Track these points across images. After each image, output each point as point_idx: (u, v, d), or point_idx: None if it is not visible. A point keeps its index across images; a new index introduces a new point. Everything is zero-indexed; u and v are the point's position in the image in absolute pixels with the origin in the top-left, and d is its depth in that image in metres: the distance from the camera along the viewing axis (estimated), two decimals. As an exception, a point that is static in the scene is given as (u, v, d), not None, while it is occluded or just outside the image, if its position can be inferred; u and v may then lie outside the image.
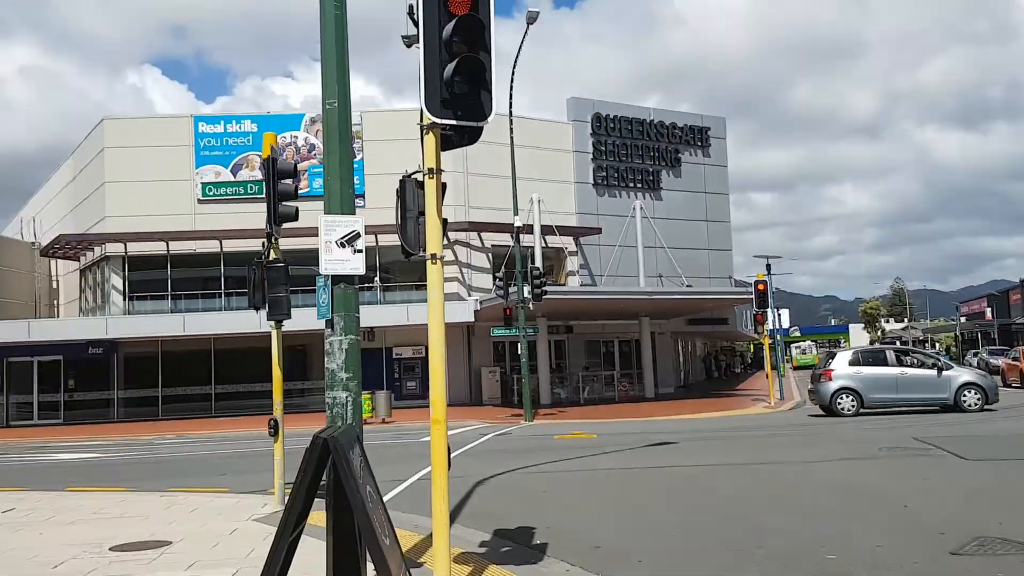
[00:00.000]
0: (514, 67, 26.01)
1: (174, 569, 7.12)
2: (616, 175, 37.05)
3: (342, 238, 6.30)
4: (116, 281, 32.62)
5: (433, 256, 6.14)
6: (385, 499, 9.54)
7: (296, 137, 32.66)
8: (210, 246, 32.09)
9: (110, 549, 8.02)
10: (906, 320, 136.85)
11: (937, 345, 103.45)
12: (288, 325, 10.60)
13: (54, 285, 40.41)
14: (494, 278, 31.00)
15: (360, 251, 6.36)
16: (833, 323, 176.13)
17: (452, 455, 6.21)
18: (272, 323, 10.29)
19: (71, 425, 30.35)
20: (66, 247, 33.89)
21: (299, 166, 10.82)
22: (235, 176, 32.54)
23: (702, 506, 9.42)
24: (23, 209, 46.12)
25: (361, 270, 6.33)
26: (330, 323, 6.40)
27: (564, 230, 33.98)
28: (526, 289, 24.35)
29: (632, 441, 16.74)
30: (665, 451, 14.98)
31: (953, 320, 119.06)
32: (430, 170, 6.17)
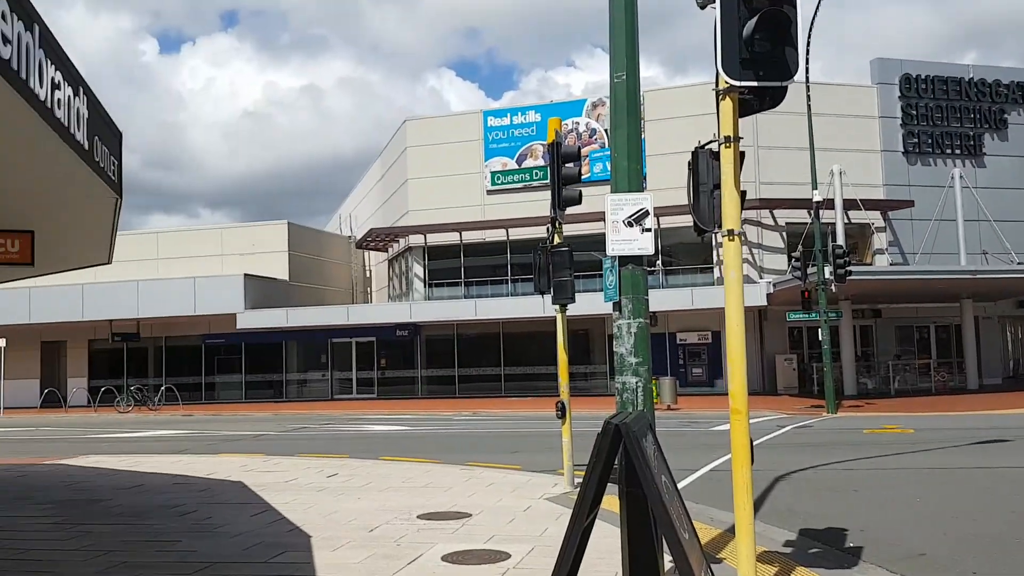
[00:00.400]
0: (811, 28, 24.23)
1: (474, 541, 7.35)
2: (930, 141, 33.25)
3: (630, 217, 6.03)
4: (418, 270, 35.40)
5: (730, 232, 5.66)
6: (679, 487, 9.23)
7: (578, 123, 33.14)
8: (498, 235, 33.67)
9: (418, 517, 8.52)
10: None
11: None
12: (571, 309, 10.63)
13: (367, 274, 44.88)
14: (789, 258, 29.23)
15: (649, 230, 6.04)
16: None
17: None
18: (557, 307, 10.35)
19: (383, 400, 33.52)
20: (376, 239, 37.39)
21: (580, 151, 10.75)
22: (520, 166, 33.79)
23: (1054, 521, 7.99)
24: (341, 207, 51.72)
25: (650, 250, 6.02)
26: (617, 306, 6.17)
27: (870, 204, 31.14)
28: (827, 270, 22.64)
29: (955, 437, 14.84)
30: (996, 449, 13.08)
31: None
32: (727, 138, 5.69)
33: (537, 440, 16.80)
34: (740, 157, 5.93)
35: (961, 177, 32.58)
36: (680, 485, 10.35)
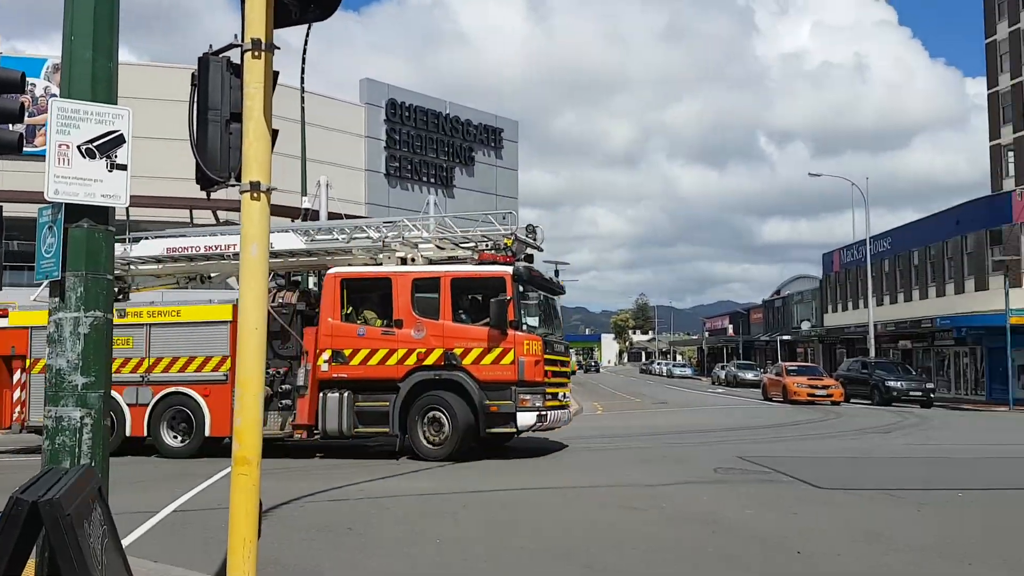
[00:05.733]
0: (307, 37, 23.49)
1: None
2: (410, 167, 35.10)
3: (91, 142, 3.69)
4: None
5: (255, 187, 3.74)
6: (129, 540, 6.84)
7: (35, 85, 27.42)
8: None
9: None
10: (652, 332, 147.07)
11: (679, 356, 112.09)
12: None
13: None
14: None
15: (123, 167, 3.77)
16: (586, 332, 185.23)
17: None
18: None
19: None
20: None
21: (24, 78, 7.81)
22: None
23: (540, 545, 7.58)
24: None
25: (123, 199, 3.76)
26: (58, 288, 3.77)
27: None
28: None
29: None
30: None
31: (691, 334, 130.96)
32: (255, 43, 3.76)
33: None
34: (275, 77, 4.06)
35: (435, 205, 34.87)
36: (135, 534, 7.88)
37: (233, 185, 3.79)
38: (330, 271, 14.10)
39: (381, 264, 14.04)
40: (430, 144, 35.80)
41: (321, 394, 13.47)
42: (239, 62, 3.85)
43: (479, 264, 13.48)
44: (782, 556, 7.07)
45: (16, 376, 15.40)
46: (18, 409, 15.30)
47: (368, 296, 13.98)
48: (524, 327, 13.06)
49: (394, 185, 34.48)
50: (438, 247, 14.26)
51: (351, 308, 13.79)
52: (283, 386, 14.05)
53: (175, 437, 14.46)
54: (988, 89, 59.56)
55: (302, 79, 24.96)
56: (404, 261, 13.94)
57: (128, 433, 14.47)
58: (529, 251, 14.28)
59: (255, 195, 3.64)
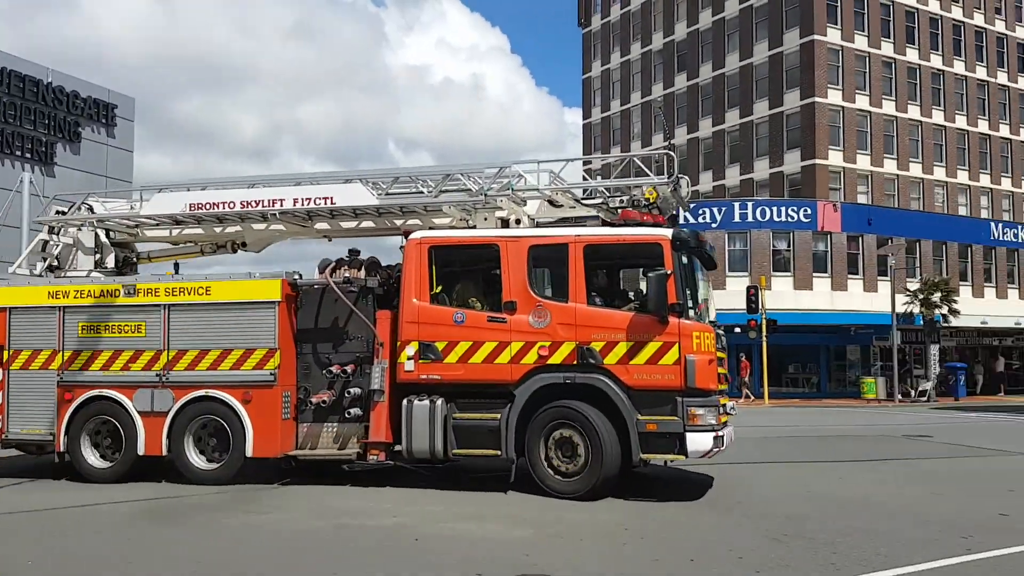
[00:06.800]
0: None
1: None
2: (0, 139, 30.10)
3: None
4: None
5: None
6: None
7: None
8: None
9: None
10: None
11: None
12: None
13: None
14: None
15: None
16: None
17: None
18: None
19: None
20: None
21: None
22: None
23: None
24: None
25: None
26: None
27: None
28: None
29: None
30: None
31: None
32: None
33: None
34: None
35: (32, 183, 30.31)
36: None
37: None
38: (413, 235, 10.32)
39: (476, 227, 10.42)
40: (27, 114, 30.94)
41: (405, 402, 9.94)
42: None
43: (622, 226, 9.83)
44: (466, 545, 7.46)
45: None
46: None
47: (467, 269, 10.50)
48: (691, 313, 9.55)
49: (-21, 159, 29.36)
50: (552, 203, 10.62)
51: (442, 286, 10.20)
52: (350, 390, 10.36)
53: (205, 457, 10.75)
54: (583, 119, 68.19)
55: None
56: (505, 223, 10.26)
57: (141, 451, 10.73)
58: (674, 210, 10.59)
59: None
